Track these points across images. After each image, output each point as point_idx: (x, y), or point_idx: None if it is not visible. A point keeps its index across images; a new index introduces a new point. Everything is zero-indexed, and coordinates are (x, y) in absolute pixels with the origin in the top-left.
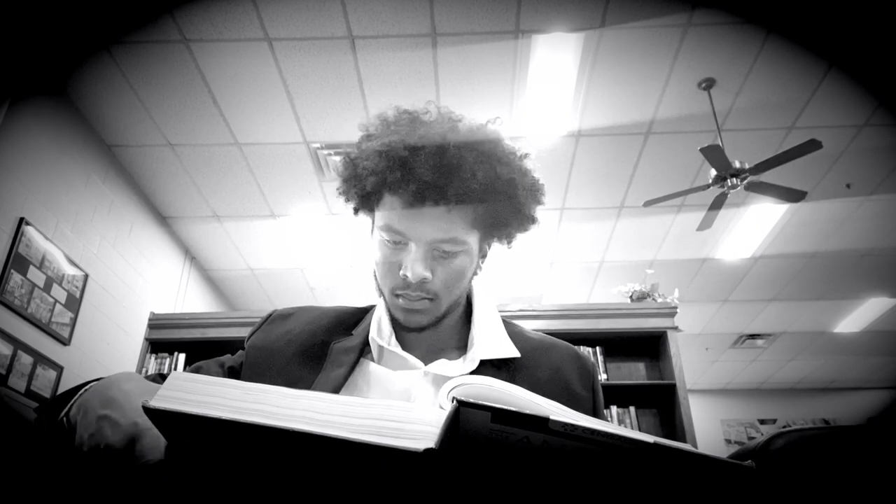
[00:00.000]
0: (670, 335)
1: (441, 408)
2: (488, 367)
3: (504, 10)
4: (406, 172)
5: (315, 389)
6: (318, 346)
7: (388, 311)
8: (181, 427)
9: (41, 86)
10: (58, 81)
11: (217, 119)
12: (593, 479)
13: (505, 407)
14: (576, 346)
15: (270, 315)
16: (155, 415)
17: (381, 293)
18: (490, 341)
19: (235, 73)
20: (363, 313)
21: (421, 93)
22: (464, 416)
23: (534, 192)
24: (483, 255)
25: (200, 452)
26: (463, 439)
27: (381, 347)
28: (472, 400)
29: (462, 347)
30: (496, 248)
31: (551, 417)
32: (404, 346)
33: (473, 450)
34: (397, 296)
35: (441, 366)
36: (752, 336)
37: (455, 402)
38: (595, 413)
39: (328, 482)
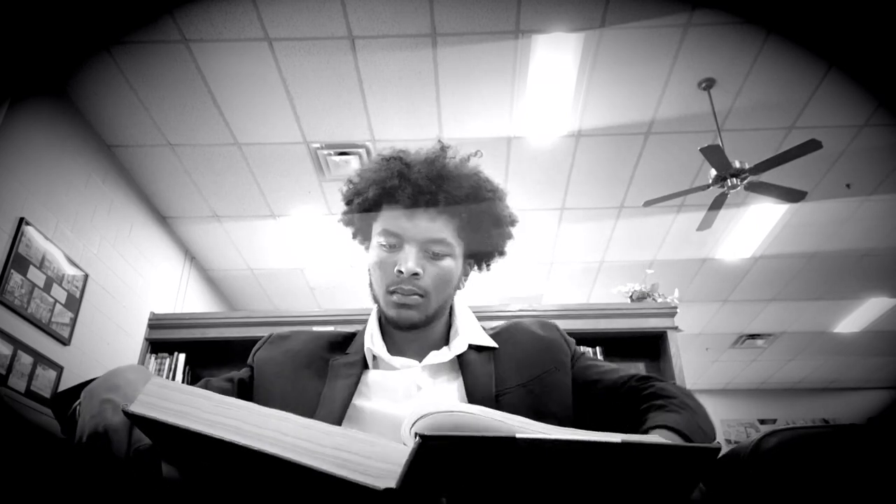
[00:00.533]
0: (670, 335)
1: (404, 444)
2: (472, 352)
3: (504, 10)
4: (403, 180)
5: (324, 400)
6: (319, 362)
7: (381, 314)
8: (160, 431)
9: (41, 86)
10: (58, 81)
11: (217, 119)
12: (570, 477)
13: (470, 434)
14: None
15: (270, 336)
16: (135, 419)
17: (376, 298)
18: (471, 331)
19: (235, 73)
20: (352, 336)
21: (421, 93)
22: (430, 445)
23: (510, 215)
24: (465, 274)
25: (179, 455)
26: (432, 455)
27: (375, 358)
28: (435, 433)
29: (447, 344)
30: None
31: (518, 436)
32: (396, 353)
33: (445, 462)
34: (391, 292)
35: (433, 357)
36: (752, 336)
37: (418, 437)
38: (566, 343)
39: (290, 500)
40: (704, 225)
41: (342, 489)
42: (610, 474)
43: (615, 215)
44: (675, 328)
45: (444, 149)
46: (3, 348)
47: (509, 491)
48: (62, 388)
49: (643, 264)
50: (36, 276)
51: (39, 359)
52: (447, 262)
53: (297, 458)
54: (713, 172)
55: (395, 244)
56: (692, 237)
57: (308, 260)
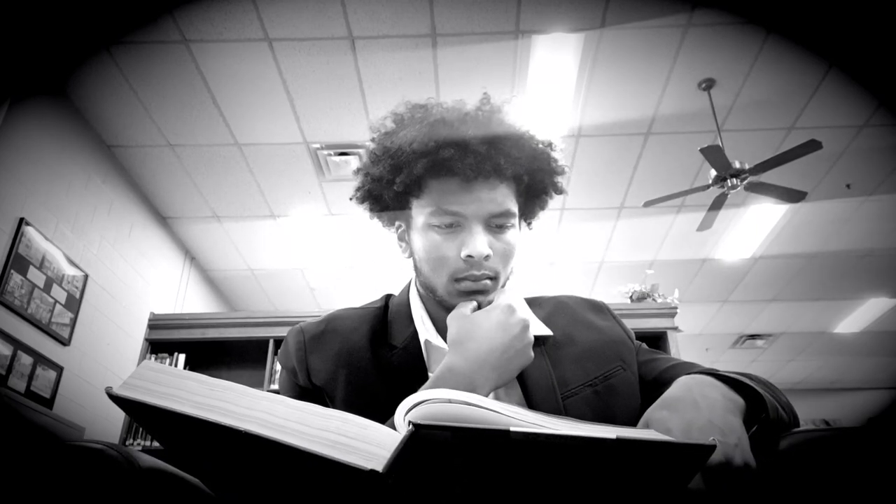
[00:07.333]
0: (670, 335)
1: (397, 430)
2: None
3: (504, 10)
4: (458, 148)
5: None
6: (370, 360)
7: (440, 303)
8: (148, 415)
9: (41, 86)
10: (58, 81)
11: (217, 119)
12: (565, 473)
13: (464, 425)
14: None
15: (304, 340)
16: (120, 402)
17: (433, 288)
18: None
19: (235, 73)
20: (385, 316)
21: (421, 93)
22: (423, 433)
23: (563, 164)
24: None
25: (167, 438)
26: (424, 450)
27: (426, 345)
28: (429, 422)
29: None
30: None
31: (511, 429)
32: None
33: (437, 456)
34: (459, 280)
35: None
36: (752, 336)
37: (411, 425)
38: (626, 333)
39: (278, 483)
40: (704, 225)
41: (331, 471)
42: (606, 466)
43: (615, 215)
44: (675, 328)
45: (488, 101)
46: (3, 349)
47: (505, 480)
48: (62, 388)
49: (643, 264)
50: (36, 276)
51: (39, 359)
52: (511, 234)
53: (281, 438)
54: (713, 173)
55: (452, 223)
56: (692, 237)
57: (308, 260)
